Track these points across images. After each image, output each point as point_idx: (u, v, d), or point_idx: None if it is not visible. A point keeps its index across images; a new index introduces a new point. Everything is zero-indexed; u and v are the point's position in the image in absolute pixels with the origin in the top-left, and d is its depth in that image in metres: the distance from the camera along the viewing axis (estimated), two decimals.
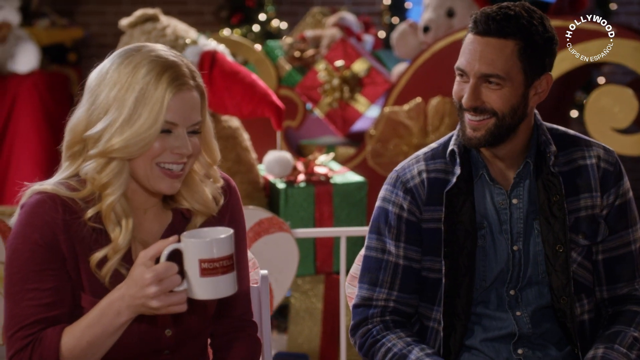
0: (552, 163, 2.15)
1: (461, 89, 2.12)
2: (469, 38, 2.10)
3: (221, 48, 3.85)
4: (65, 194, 1.82)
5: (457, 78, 2.13)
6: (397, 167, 2.26)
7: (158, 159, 1.82)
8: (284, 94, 4.92)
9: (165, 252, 1.72)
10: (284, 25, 6.73)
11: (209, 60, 3.75)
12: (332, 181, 3.90)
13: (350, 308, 2.29)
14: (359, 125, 4.80)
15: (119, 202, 1.82)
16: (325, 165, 4.06)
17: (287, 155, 3.83)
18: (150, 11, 3.89)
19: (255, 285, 2.27)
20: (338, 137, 4.96)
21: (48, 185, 1.83)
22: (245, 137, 4.03)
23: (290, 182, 3.85)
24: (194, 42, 3.78)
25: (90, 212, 1.81)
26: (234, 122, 3.99)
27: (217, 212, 1.96)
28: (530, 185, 2.18)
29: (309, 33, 5.21)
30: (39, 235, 1.78)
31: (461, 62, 2.11)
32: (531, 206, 2.18)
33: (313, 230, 3.53)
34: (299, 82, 4.87)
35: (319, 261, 3.91)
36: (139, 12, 3.89)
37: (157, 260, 1.73)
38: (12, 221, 1.84)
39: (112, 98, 1.78)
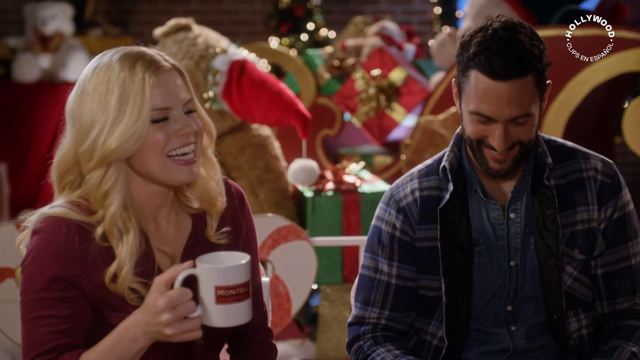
0: (546, 176, 2.12)
1: (484, 130, 2.03)
2: (488, 84, 1.98)
3: (251, 57, 3.88)
4: (79, 218, 1.78)
5: (477, 120, 2.03)
6: (392, 185, 2.23)
7: (167, 148, 1.77)
8: (323, 103, 4.94)
9: (180, 278, 1.66)
10: (332, 34, 6.76)
11: (237, 69, 3.79)
12: (360, 190, 3.89)
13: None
14: (395, 134, 4.80)
15: (120, 216, 1.78)
16: (356, 174, 4.06)
17: (312, 163, 3.84)
18: (183, 21, 3.96)
19: None
20: (377, 146, 4.96)
21: (59, 208, 1.79)
22: (276, 145, 4.06)
23: (318, 191, 3.86)
24: (224, 51, 3.83)
25: (99, 230, 1.78)
26: (264, 130, 4.03)
27: (224, 206, 1.92)
28: (527, 199, 2.14)
29: (350, 42, 5.23)
30: (55, 263, 1.75)
31: (484, 108, 2.00)
32: (528, 220, 2.14)
33: (330, 239, 3.53)
34: (337, 90, 4.88)
35: (346, 270, 3.91)
36: (172, 22, 3.97)
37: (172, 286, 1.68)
38: (24, 245, 1.82)
39: (96, 108, 1.75)
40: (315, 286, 4.02)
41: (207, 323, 1.68)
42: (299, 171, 3.80)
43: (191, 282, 1.67)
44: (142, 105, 1.74)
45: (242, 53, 3.89)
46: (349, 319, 2.24)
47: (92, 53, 6.45)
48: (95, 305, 1.79)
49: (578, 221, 2.13)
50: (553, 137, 2.20)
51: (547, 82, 2.08)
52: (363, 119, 4.77)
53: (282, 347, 4.34)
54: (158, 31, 3.99)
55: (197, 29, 3.97)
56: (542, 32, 3.81)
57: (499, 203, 2.14)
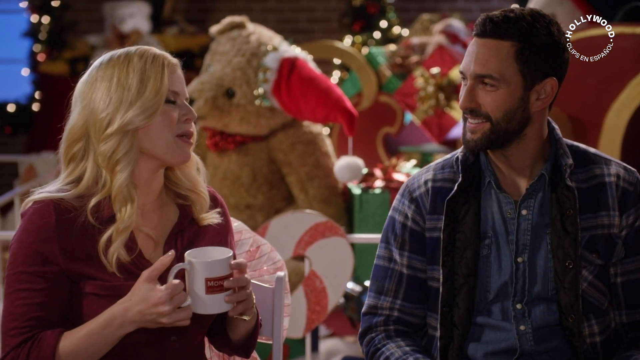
0: (567, 176, 2.09)
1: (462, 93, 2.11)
2: (472, 42, 2.09)
3: (302, 55, 3.92)
4: (57, 196, 1.94)
5: (462, 82, 2.12)
6: (409, 177, 2.28)
7: (175, 128, 1.97)
8: (384, 101, 4.94)
9: (174, 271, 1.84)
10: (405, 32, 6.74)
11: (287, 67, 3.84)
12: None
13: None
14: (455, 133, 4.76)
15: (127, 186, 1.93)
16: (407, 172, 4.05)
17: (357, 161, 3.86)
18: (237, 19, 4.04)
19: (270, 287, 2.31)
20: (437, 144, 4.93)
21: (45, 193, 1.96)
22: (327, 142, 4.09)
23: (367, 188, 3.87)
24: (275, 49, 3.89)
25: (93, 201, 1.93)
26: (315, 127, 4.06)
27: (207, 194, 2.07)
28: (543, 198, 2.12)
29: (415, 40, 5.21)
30: (32, 239, 1.90)
31: (461, 64, 2.10)
32: (541, 219, 2.12)
33: (367, 237, 3.54)
34: (398, 88, 4.88)
35: None
36: (226, 20, 4.05)
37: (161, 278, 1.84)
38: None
39: (114, 87, 1.93)
40: (367, 283, 4.03)
41: (198, 311, 1.86)
42: (344, 168, 3.82)
43: (178, 275, 1.86)
44: (161, 85, 1.94)
45: (294, 51, 3.94)
46: (363, 309, 2.27)
47: (169, 50, 6.62)
48: (74, 279, 1.92)
49: (599, 225, 2.11)
50: (576, 143, 2.19)
51: (548, 75, 2.06)
52: (422, 117, 4.76)
53: (332, 342, 4.37)
54: (213, 29, 4.07)
55: (251, 26, 4.04)
56: (603, 30, 3.72)
57: (513, 198, 2.13)
